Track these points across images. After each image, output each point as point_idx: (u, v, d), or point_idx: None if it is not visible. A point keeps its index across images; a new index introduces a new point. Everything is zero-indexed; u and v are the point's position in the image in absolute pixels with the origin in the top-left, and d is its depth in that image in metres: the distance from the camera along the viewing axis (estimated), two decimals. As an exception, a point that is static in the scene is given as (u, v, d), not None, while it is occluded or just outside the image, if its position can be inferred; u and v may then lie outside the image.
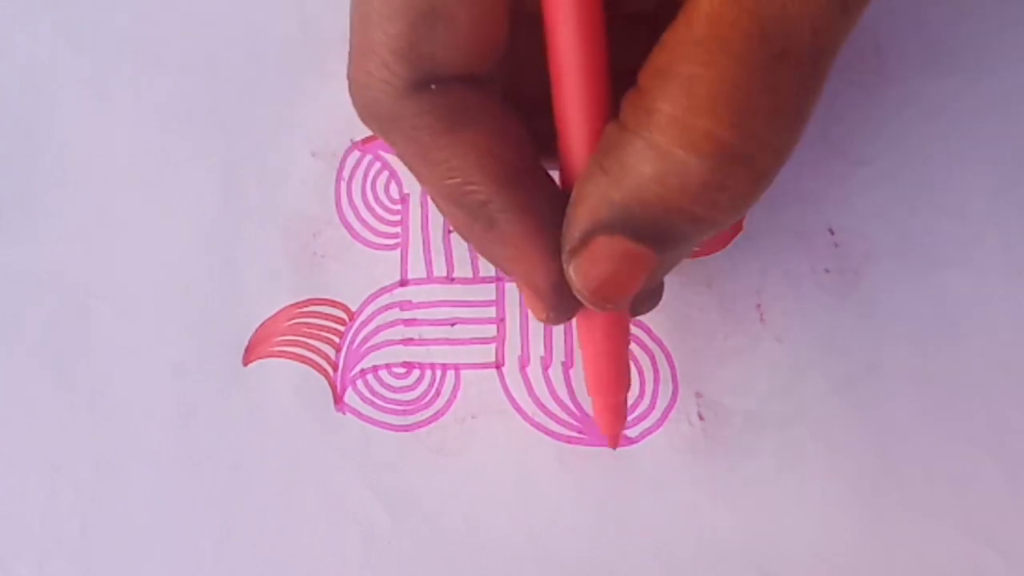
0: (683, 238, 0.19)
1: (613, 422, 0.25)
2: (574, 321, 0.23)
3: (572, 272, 0.20)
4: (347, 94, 0.28)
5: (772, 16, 0.17)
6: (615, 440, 0.25)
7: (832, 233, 0.27)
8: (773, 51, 0.17)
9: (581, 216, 0.19)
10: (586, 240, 0.19)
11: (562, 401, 0.27)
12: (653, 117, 0.18)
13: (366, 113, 0.20)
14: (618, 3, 0.21)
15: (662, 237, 0.19)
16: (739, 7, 0.17)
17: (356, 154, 0.28)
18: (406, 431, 0.27)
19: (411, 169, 0.21)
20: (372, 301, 0.28)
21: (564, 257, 0.20)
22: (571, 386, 0.27)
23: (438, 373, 0.27)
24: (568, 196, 0.20)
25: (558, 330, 0.27)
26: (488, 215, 0.20)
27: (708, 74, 0.17)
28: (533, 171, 0.21)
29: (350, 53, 0.20)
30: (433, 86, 0.19)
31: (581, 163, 0.20)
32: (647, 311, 0.25)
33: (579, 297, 0.21)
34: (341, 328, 0.28)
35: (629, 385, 0.24)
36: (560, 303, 0.21)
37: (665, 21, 0.18)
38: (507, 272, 0.22)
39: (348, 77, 0.20)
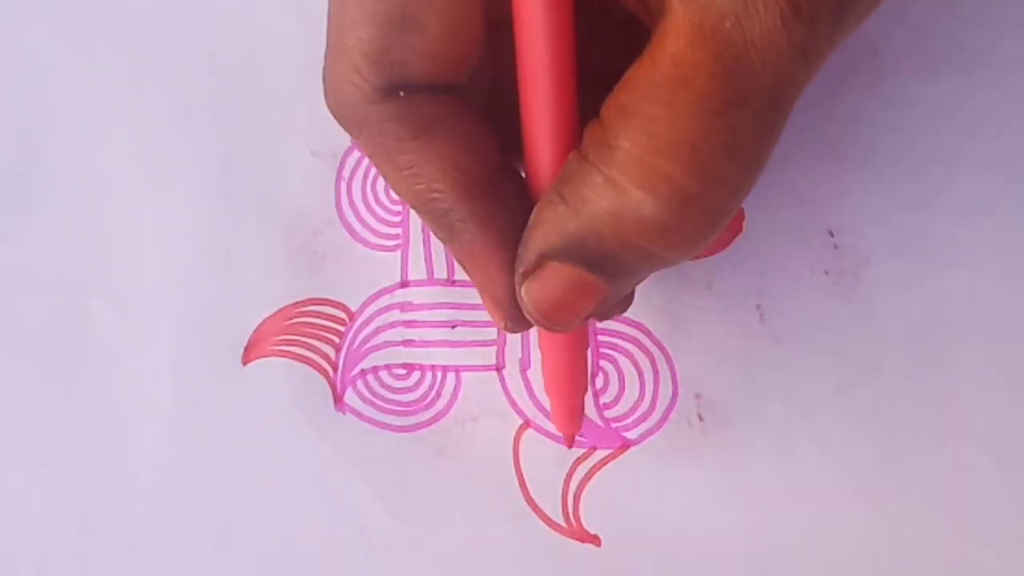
0: (635, 271, 0.20)
1: (570, 423, 0.25)
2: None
3: (523, 293, 0.20)
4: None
5: (735, 62, 0.17)
6: (571, 440, 0.26)
7: (831, 235, 0.27)
8: (735, 96, 0.17)
9: (537, 240, 0.20)
10: (539, 264, 0.20)
11: (563, 403, 0.27)
12: (614, 153, 0.18)
13: (337, 115, 0.21)
14: (592, 11, 0.21)
15: (614, 269, 0.19)
16: (704, 51, 0.17)
17: (356, 154, 0.28)
18: (406, 432, 0.27)
19: (380, 172, 0.21)
20: (372, 302, 0.28)
21: (517, 277, 0.20)
22: (572, 389, 0.27)
23: (439, 375, 0.27)
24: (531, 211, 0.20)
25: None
26: (449, 223, 0.21)
27: (670, 115, 0.17)
28: (498, 183, 0.21)
29: (325, 55, 0.20)
30: (401, 93, 0.19)
31: (544, 184, 0.20)
32: (614, 317, 0.25)
33: (528, 317, 0.21)
34: (341, 328, 0.28)
35: (586, 388, 0.25)
36: (517, 314, 0.21)
37: (637, 32, 0.19)
38: (469, 278, 0.22)
39: (323, 79, 0.20)
